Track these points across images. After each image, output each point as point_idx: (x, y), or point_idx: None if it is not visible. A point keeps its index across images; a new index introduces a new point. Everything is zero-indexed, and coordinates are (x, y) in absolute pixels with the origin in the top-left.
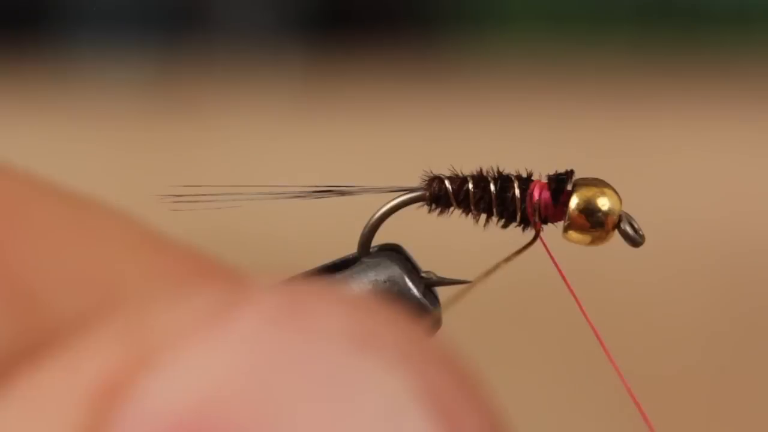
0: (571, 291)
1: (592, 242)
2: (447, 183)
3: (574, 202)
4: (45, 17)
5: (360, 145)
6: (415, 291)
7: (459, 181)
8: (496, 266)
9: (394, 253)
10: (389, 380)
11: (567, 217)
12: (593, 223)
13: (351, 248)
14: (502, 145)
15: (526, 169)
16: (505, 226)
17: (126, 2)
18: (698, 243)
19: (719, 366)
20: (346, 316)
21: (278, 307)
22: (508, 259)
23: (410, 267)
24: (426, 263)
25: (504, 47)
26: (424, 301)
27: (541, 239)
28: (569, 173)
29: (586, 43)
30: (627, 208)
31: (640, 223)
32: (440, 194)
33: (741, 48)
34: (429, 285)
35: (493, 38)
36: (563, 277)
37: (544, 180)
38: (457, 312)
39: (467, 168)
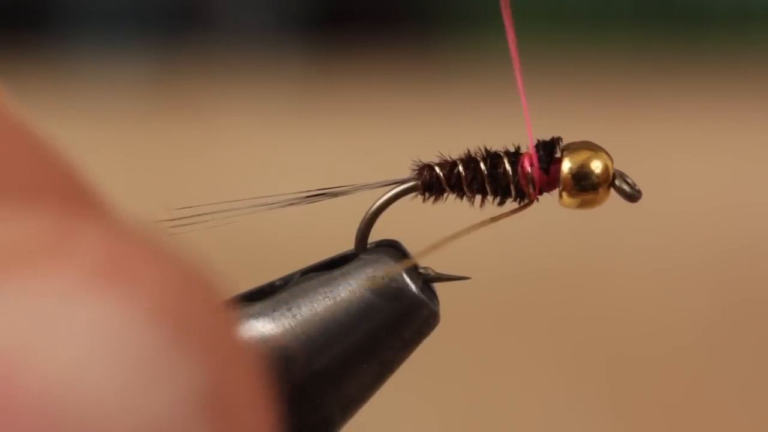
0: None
1: (588, 204)
2: (437, 169)
3: (566, 166)
4: (45, 17)
5: (360, 144)
6: (413, 287)
7: (449, 165)
8: (484, 223)
9: (392, 248)
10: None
11: (560, 183)
12: (588, 185)
13: (349, 244)
14: (502, 144)
15: (514, 144)
16: (501, 203)
17: (126, 2)
18: (697, 239)
19: (715, 357)
20: (159, 295)
21: (93, 266)
22: (497, 218)
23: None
24: (424, 259)
25: (503, 47)
26: (423, 297)
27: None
28: (557, 139)
29: (586, 43)
30: (627, 206)
31: (641, 220)
32: (432, 181)
33: (741, 48)
34: (427, 281)
35: (493, 38)
36: None
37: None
38: (455, 310)
39: None
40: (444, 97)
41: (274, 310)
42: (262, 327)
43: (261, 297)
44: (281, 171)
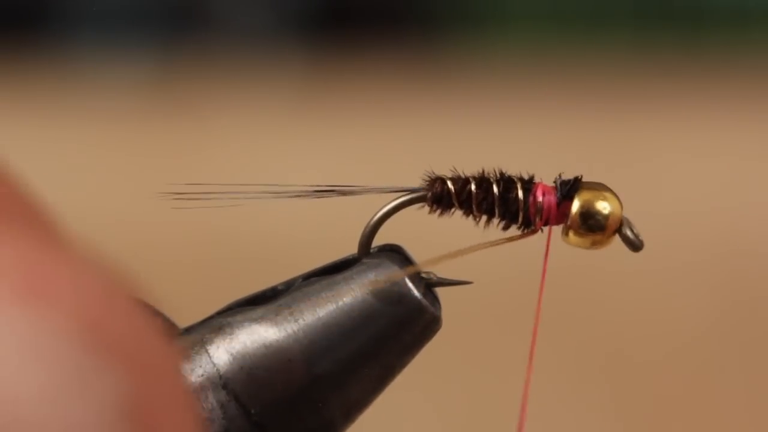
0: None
1: (592, 246)
2: (449, 184)
3: (576, 205)
4: (45, 17)
5: (360, 145)
6: (415, 291)
7: (461, 182)
8: (484, 245)
9: (395, 253)
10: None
11: (568, 220)
12: (594, 227)
13: (352, 248)
14: (502, 144)
15: (528, 172)
16: (506, 227)
17: (126, 2)
18: (697, 240)
19: (715, 357)
20: (78, 308)
21: (12, 284)
22: (497, 243)
23: None
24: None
25: (504, 47)
26: (425, 301)
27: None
28: (577, 178)
29: (586, 44)
30: (627, 207)
31: (641, 220)
32: (442, 195)
33: (741, 48)
34: (429, 285)
35: (493, 38)
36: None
37: (547, 183)
38: (456, 312)
39: (467, 167)
40: (444, 98)
41: (276, 315)
42: (264, 331)
43: (263, 301)
44: (282, 171)
